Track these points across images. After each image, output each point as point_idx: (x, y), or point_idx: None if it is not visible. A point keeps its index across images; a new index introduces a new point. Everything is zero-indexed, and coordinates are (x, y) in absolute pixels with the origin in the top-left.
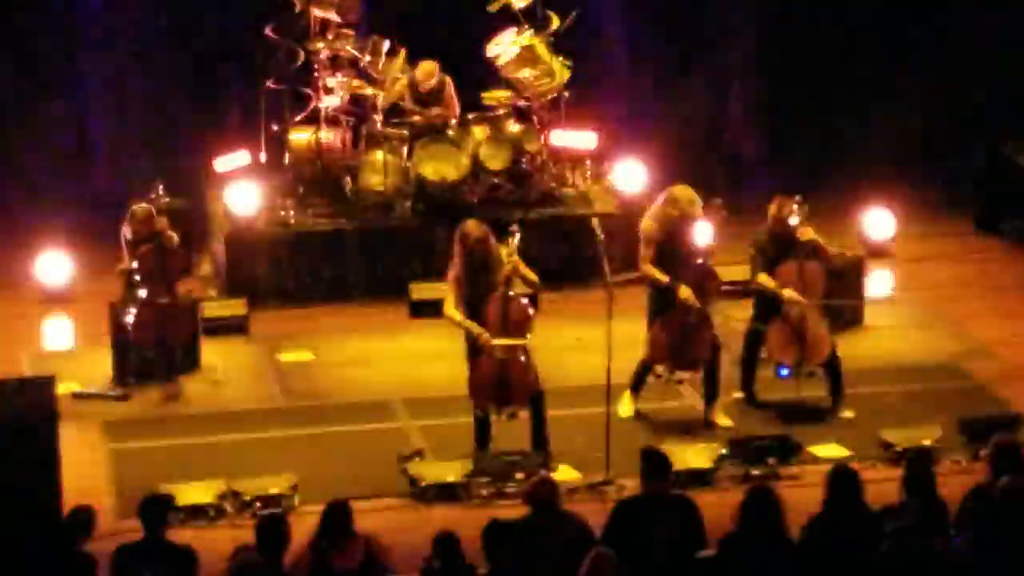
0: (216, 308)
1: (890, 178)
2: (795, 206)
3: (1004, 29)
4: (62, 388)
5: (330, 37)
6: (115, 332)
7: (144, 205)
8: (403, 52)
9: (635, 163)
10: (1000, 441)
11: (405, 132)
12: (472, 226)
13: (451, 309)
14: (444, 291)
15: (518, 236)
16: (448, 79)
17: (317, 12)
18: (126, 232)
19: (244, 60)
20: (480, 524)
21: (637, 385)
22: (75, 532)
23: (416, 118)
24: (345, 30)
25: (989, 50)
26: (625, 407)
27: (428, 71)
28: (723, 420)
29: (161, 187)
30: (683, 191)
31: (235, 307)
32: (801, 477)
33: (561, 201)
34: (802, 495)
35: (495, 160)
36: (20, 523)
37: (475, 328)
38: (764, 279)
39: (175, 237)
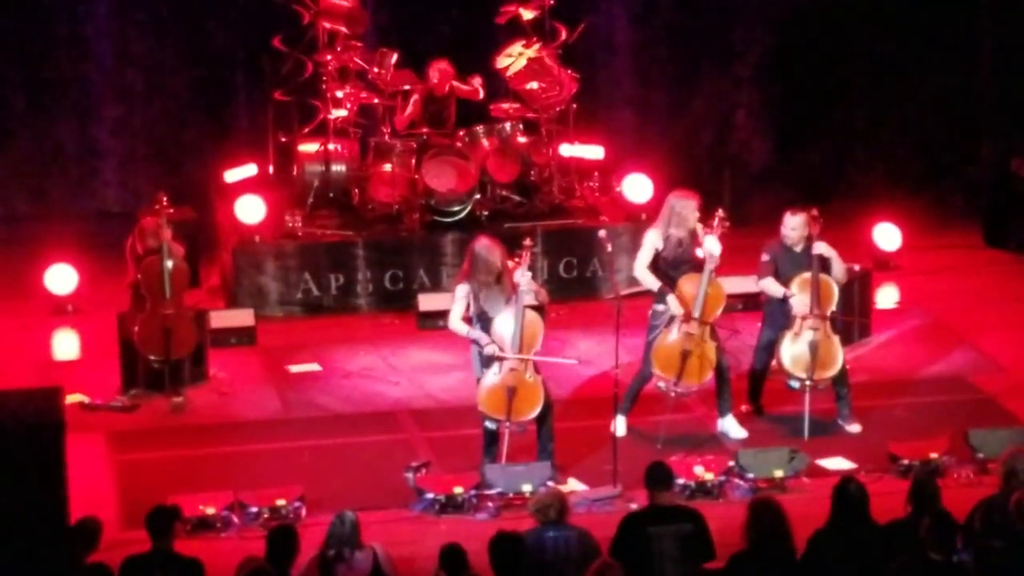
0: (224, 319)
1: (898, 191)
2: (811, 219)
3: (1013, 42)
4: (69, 399)
5: (338, 49)
6: (122, 343)
7: (152, 218)
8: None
9: (643, 175)
10: (1011, 455)
11: (413, 144)
12: (487, 243)
13: (457, 322)
14: (451, 303)
15: (532, 251)
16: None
17: (325, 24)
18: (138, 247)
19: (252, 71)
20: (487, 536)
21: (629, 404)
22: (82, 543)
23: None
24: (353, 42)
25: (998, 63)
26: (619, 426)
27: (445, 72)
28: (737, 431)
29: (165, 198)
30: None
31: (243, 318)
32: (808, 490)
33: (569, 213)
34: (809, 508)
35: (503, 172)
36: (27, 534)
37: (483, 338)
38: (771, 283)
39: (180, 248)
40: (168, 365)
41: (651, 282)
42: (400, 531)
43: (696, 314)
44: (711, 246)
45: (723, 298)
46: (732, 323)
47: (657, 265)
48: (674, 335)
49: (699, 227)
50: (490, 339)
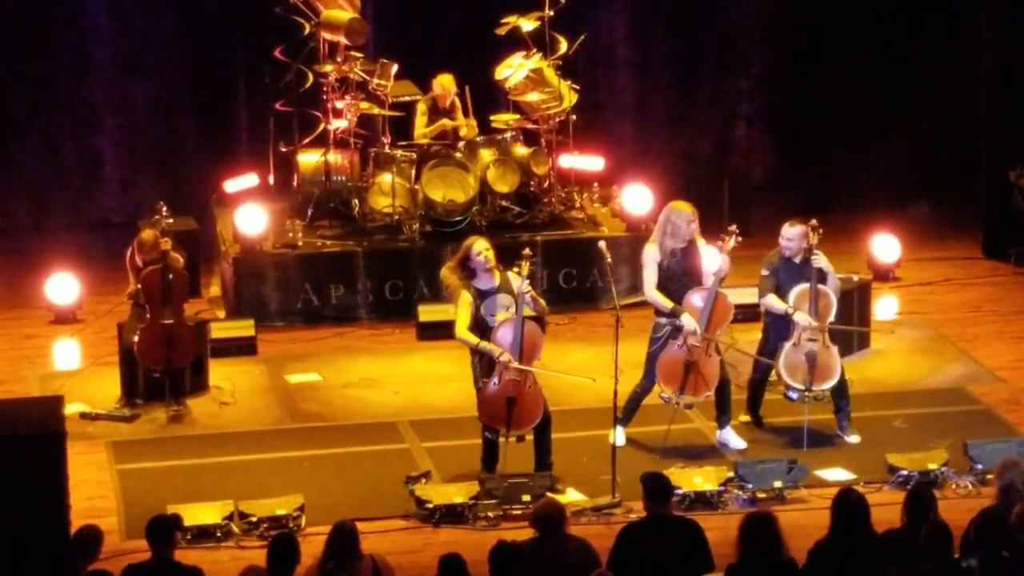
0: (224, 329)
1: (897, 202)
2: (810, 230)
3: (1012, 53)
4: (70, 408)
5: (339, 60)
6: (123, 353)
7: (150, 231)
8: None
9: (642, 186)
10: (1005, 466)
11: (413, 154)
12: (474, 239)
13: (465, 331)
14: (454, 312)
15: (531, 261)
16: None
17: (326, 35)
18: (137, 259)
19: (253, 82)
20: (486, 546)
21: (628, 415)
22: (82, 552)
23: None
24: (354, 53)
25: (998, 74)
26: (618, 436)
27: (447, 84)
28: (736, 442)
29: (164, 208)
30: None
31: (243, 328)
32: (807, 501)
33: (569, 224)
34: (808, 519)
35: (503, 183)
36: (28, 543)
37: (495, 349)
38: (773, 300)
39: (180, 259)
40: (168, 375)
41: (663, 303)
42: (400, 541)
43: (701, 327)
44: (718, 261)
45: (730, 312)
46: (731, 334)
47: (656, 277)
48: (677, 348)
49: (700, 239)
50: (503, 349)
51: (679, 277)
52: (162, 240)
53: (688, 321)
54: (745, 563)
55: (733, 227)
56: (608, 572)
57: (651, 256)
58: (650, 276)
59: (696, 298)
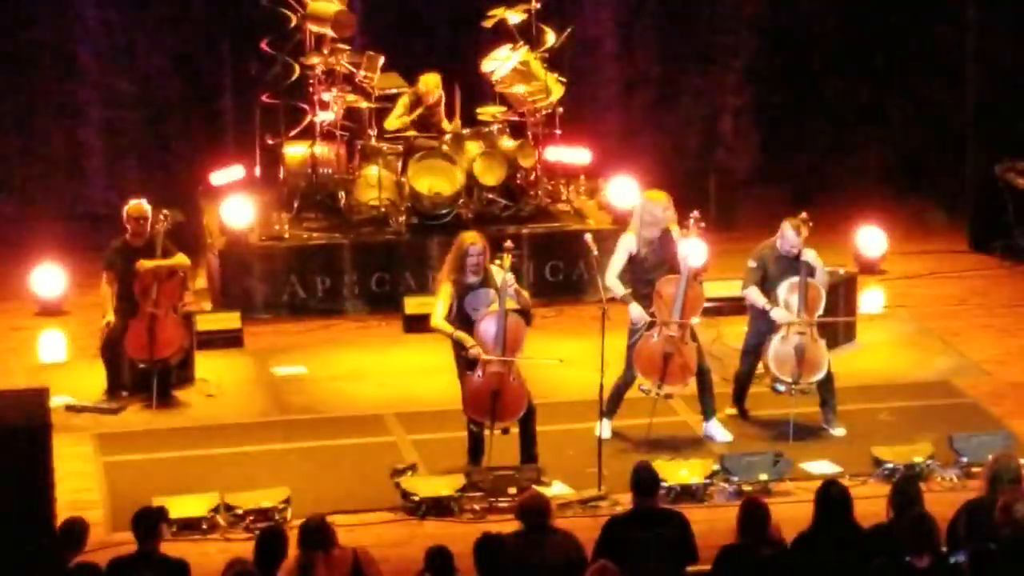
0: (210, 321)
1: (883, 196)
2: (801, 224)
3: (998, 47)
4: (55, 400)
5: (325, 52)
6: (108, 345)
7: (138, 204)
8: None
9: (628, 179)
10: (995, 459)
11: (399, 147)
12: (472, 236)
13: (440, 320)
14: (433, 302)
15: (513, 253)
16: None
17: (312, 27)
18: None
19: (239, 74)
20: (472, 539)
21: (613, 407)
22: (68, 544)
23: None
24: (340, 45)
25: (983, 68)
26: (604, 429)
27: (433, 83)
28: (722, 434)
29: (164, 216)
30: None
31: (229, 320)
32: (793, 493)
33: (555, 217)
34: (794, 511)
35: (489, 175)
36: (12, 535)
37: (467, 340)
38: (755, 293)
39: (185, 265)
40: (156, 368)
41: (619, 290)
42: (385, 533)
43: (676, 316)
44: (688, 248)
45: (702, 300)
46: (716, 326)
47: (634, 268)
48: (655, 338)
49: (674, 228)
50: (474, 341)
51: (658, 266)
52: (158, 230)
53: (635, 311)
54: (743, 545)
55: (695, 213)
56: (610, 563)
57: (625, 245)
58: (616, 262)
59: (669, 287)
